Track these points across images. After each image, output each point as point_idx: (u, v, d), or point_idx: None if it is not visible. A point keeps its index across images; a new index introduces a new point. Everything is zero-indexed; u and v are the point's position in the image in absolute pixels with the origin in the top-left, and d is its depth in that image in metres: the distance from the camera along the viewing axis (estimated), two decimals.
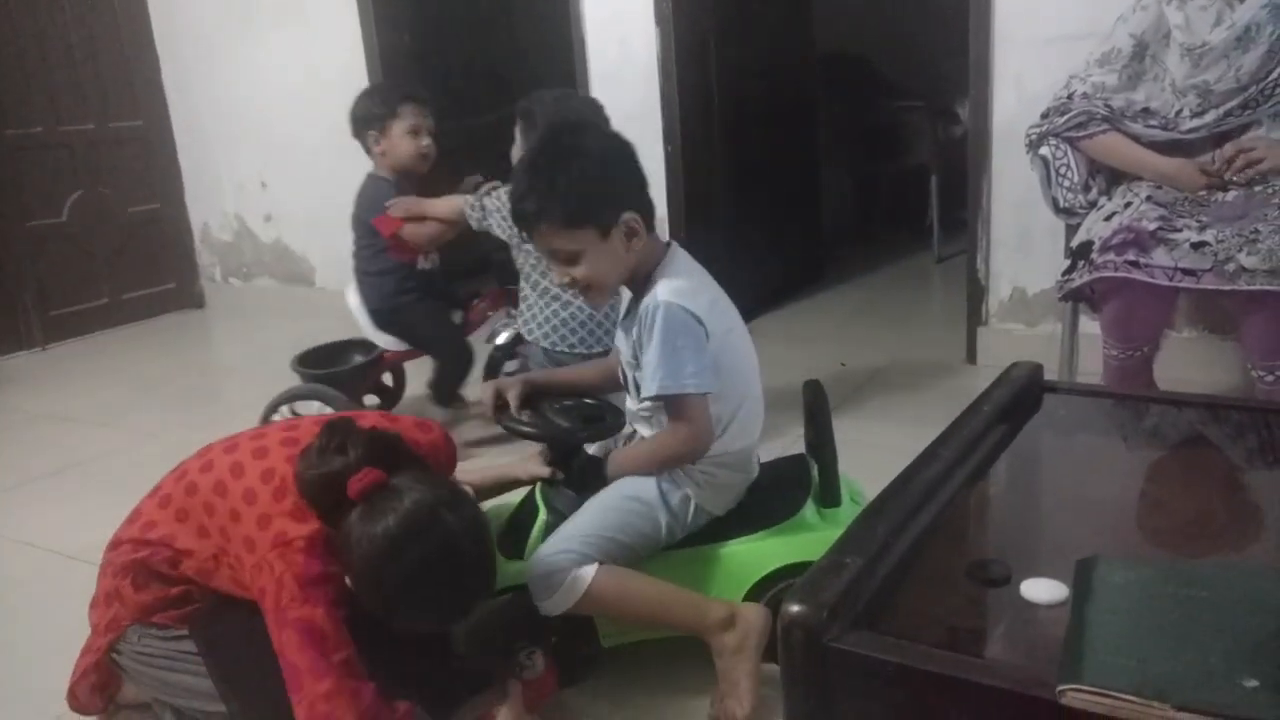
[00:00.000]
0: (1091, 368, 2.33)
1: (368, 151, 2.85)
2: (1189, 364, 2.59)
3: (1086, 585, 0.90)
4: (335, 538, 1.46)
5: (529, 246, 2.40)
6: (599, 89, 3.63)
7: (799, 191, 4.42)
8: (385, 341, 2.82)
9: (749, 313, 3.53)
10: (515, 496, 1.87)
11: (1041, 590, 0.94)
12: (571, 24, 3.62)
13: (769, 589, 1.66)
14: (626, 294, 1.74)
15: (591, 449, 1.85)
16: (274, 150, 4.48)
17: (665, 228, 3.57)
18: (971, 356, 3.24)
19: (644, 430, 1.74)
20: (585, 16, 3.61)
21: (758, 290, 3.88)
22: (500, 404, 1.80)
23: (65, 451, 3.11)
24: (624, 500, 1.67)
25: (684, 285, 1.62)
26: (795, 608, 0.90)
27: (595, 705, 1.73)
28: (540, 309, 2.53)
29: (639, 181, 1.66)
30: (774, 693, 1.61)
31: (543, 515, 1.72)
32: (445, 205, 2.69)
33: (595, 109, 2.56)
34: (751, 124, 3.90)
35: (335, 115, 4.24)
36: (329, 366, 2.82)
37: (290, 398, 2.74)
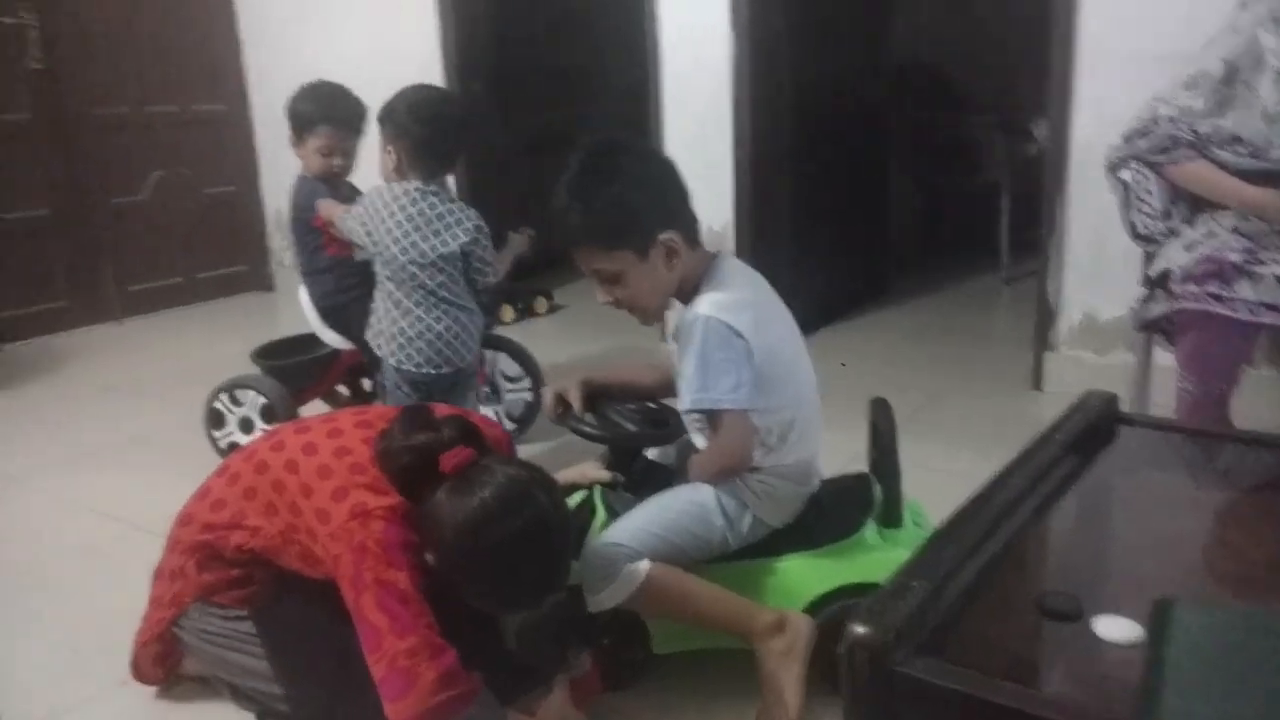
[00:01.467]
0: (1163, 400, 2.28)
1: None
2: (1269, 403, 2.51)
3: (1164, 627, 0.88)
4: (416, 512, 1.49)
5: (386, 256, 2.31)
6: (671, 92, 3.64)
7: (867, 203, 4.38)
8: (332, 339, 2.74)
9: (810, 325, 3.51)
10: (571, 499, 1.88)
11: (1115, 628, 0.92)
12: (647, 27, 3.64)
13: (825, 607, 1.65)
14: (679, 307, 1.74)
15: (651, 454, 1.85)
16: None
17: (730, 234, 3.57)
18: (1037, 382, 3.18)
19: (698, 440, 1.74)
20: (661, 19, 3.61)
21: (820, 302, 3.85)
22: (562, 405, 1.82)
23: (135, 423, 3.20)
24: (681, 503, 1.68)
25: (727, 298, 1.61)
26: (860, 629, 0.90)
27: (642, 711, 1.73)
28: (389, 323, 2.36)
29: (678, 199, 1.65)
30: (816, 703, 1.61)
31: (601, 517, 1.73)
32: (329, 210, 2.57)
33: (450, 100, 2.43)
34: (822, 133, 3.87)
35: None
36: (286, 359, 2.83)
37: (231, 385, 2.78)
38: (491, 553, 1.44)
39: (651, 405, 1.83)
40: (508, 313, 4.27)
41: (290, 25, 4.60)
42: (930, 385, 3.27)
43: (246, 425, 2.77)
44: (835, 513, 1.72)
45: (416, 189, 2.32)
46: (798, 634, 1.61)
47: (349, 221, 2.39)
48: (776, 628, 1.61)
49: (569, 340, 4.02)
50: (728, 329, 1.57)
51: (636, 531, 1.64)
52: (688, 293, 1.66)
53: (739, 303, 1.62)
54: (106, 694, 1.83)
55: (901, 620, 0.91)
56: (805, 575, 1.67)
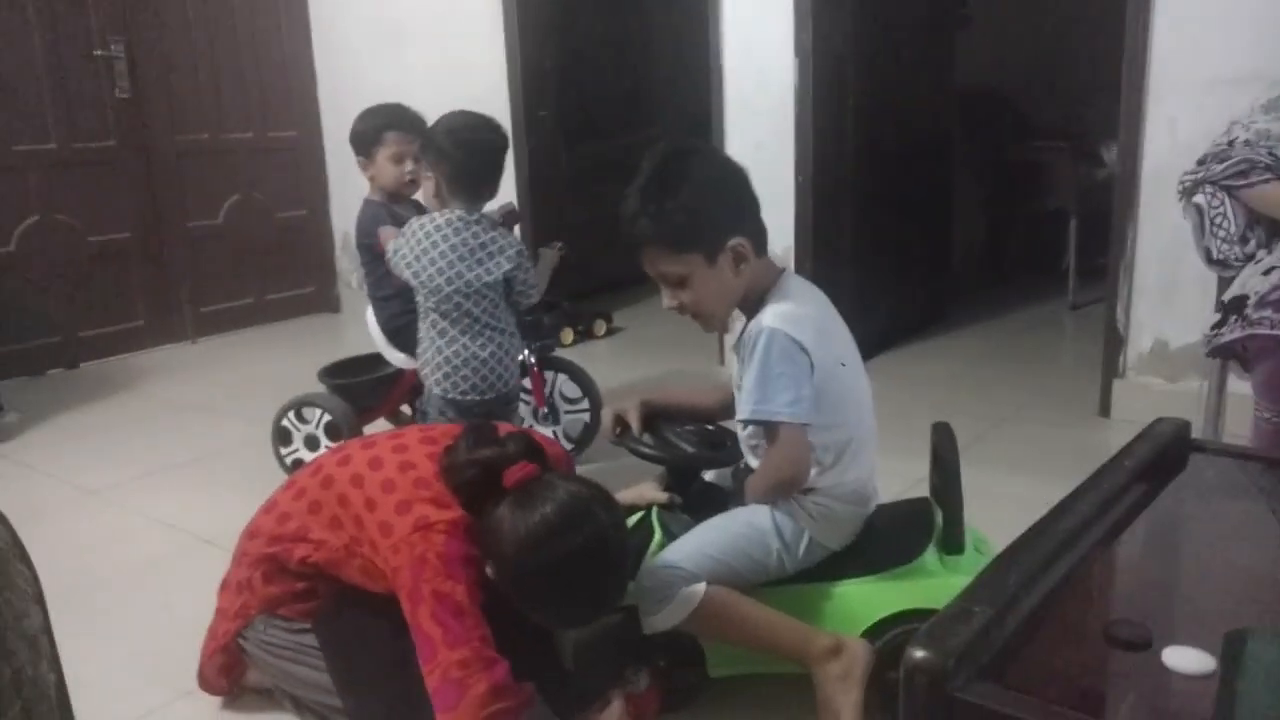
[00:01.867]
0: (1237, 430, 2.21)
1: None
2: None
3: (1237, 659, 0.85)
4: (477, 526, 1.51)
5: (431, 286, 2.33)
6: (734, 117, 3.65)
7: (929, 228, 4.34)
8: (397, 359, 2.79)
9: (871, 349, 3.48)
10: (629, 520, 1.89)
11: (1187, 659, 0.89)
12: (710, 51, 3.66)
13: (884, 633, 1.62)
14: (741, 318, 1.73)
15: (708, 476, 1.85)
16: None
17: (791, 258, 3.56)
18: (1105, 410, 3.11)
19: (753, 461, 1.74)
20: (724, 45, 3.64)
21: (881, 327, 3.82)
22: (621, 427, 1.83)
23: (205, 440, 3.29)
24: (738, 525, 1.68)
25: (792, 311, 1.61)
26: (920, 653, 0.88)
27: None
28: (434, 352, 2.37)
29: (749, 206, 1.65)
30: None
31: (658, 538, 1.73)
32: (385, 239, 2.60)
33: (489, 126, 2.42)
34: (885, 157, 3.85)
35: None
36: (352, 378, 2.89)
37: (298, 404, 2.85)
38: (551, 567, 1.45)
39: (709, 427, 1.83)
40: (568, 335, 4.31)
41: (362, 55, 4.73)
42: (993, 411, 3.21)
43: (312, 442, 2.83)
44: (896, 537, 1.70)
45: (460, 218, 2.33)
46: (855, 659, 1.58)
47: (392, 255, 2.41)
48: (833, 652, 1.59)
49: (627, 363, 4.04)
50: (791, 341, 1.57)
51: (692, 553, 1.64)
52: (753, 304, 1.66)
53: (803, 317, 1.61)
54: (173, 704, 1.87)
55: (962, 645, 0.89)
56: (865, 600, 1.65)
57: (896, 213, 3.98)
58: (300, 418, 2.85)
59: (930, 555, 1.66)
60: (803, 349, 1.57)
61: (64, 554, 2.46)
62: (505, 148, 2.43)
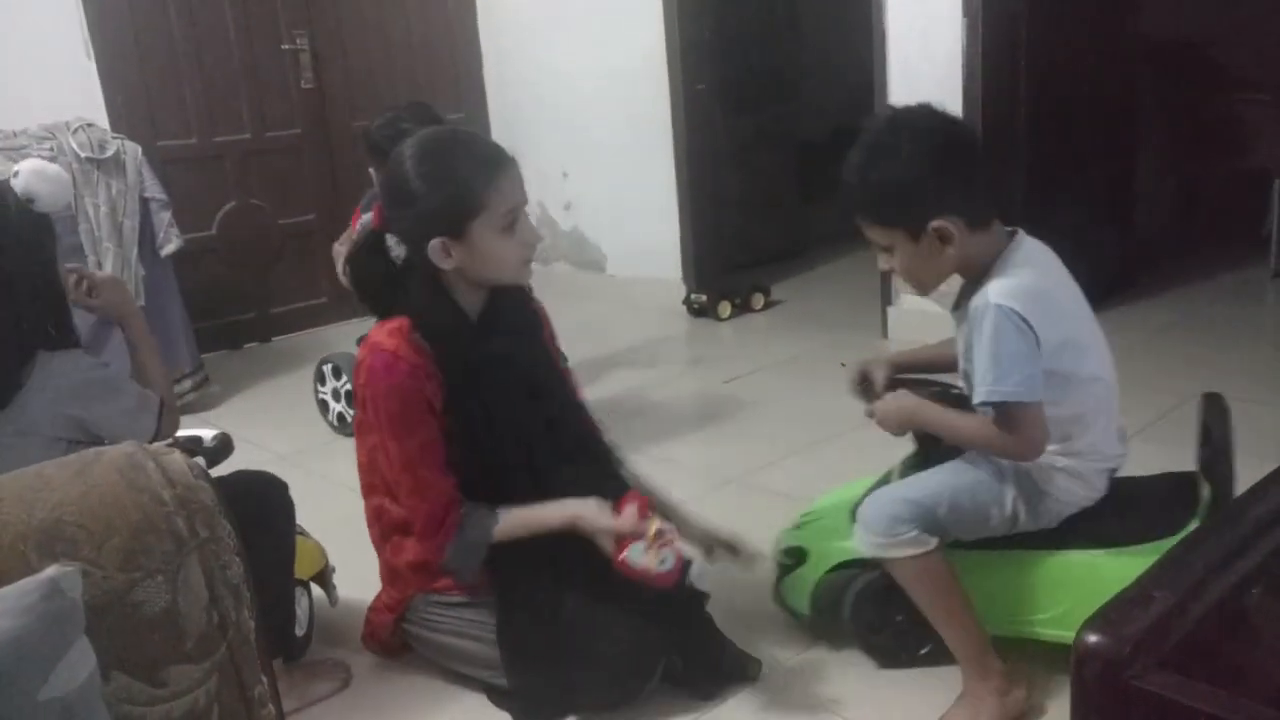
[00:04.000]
0: None
1: None
2: None
3: None
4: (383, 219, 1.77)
5: None
6: (897, 84, 3.53)
7: (1111, 193, 4.08)
8: None
9: None
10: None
11: None
12: (874, 17, 3.55)
13: None
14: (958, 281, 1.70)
15: None
16: (576, 140, 4.73)
17: None
18: None
19: None
20: (888, 9, 3.52)
21: None
22: (865, 383, 1.84)
23: None
24: (977, 472, 1.67)
25: (1019, 285, 1.57)
26: (1094, 638, 0.85)
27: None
28: None
29: (969, 179, 1.60)
30: None
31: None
32: None
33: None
34: (1061, 120, 3.64)
35: (634, 107, 4.40)
36: None
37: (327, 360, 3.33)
38: (427, 160, 1.71)
39: (954, 389, 1.82)
40: (725, 308, 4.29)
41: (524, 35, 4.83)
42: (1184, 387, 3.00)
43: (336, 395, 3.27)
44: (1155, 510, 1.66)
45: None
46: (1011, 697, 1.63)
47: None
48: (999, 683, 1.62)
49: (785, 337, 4.01)
50: (1019, 319, 1.54)
51: (929, 489, 1.66)
52: (977, 274, 1.63)
53: (1031, 291, 1.57)
54: (348, 658, 2.01)
55: (1140, 631, 0.85)
56: (1116, 571, 1.62)
57: (1075, 177, 3.76)
58: (334, 374, 3.23)
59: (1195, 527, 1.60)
60: (1029, 325, 1.54)
61: None
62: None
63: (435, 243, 1.68)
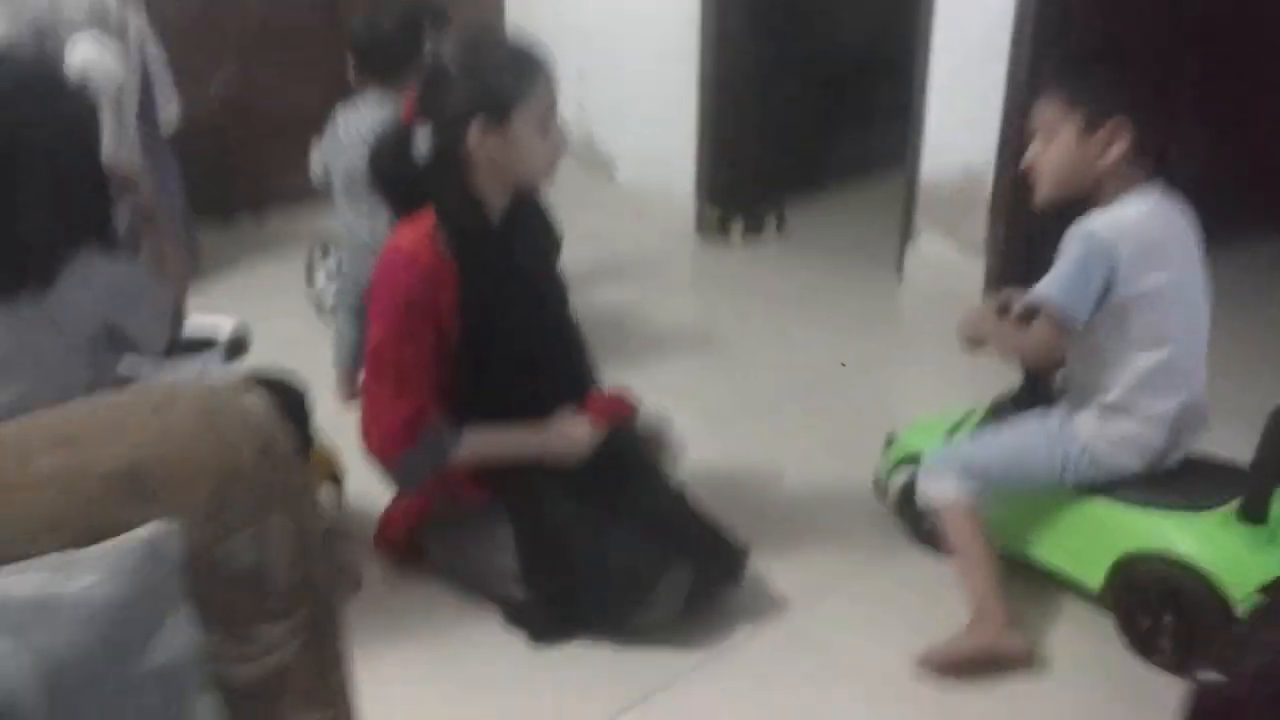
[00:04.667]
0: None
1: None
2: None
3: None
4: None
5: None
6: (945, 12, 3.37)
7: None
8: None
9: None
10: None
11: None
12: None
13: (1139, 568, 1.71)
14: None
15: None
16: (593, 42, 4.53)
17: (990, 175, 3.33)
18: None
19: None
20: None
21: None
22: (1003, 310, 1.88)
23: None
24: (1031, 427, 1.81)
25: (1122, 219, 1.63)
26: (1208, 676, 0.84)
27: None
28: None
29: (1156, 112, 1.65)
30: None
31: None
32: None
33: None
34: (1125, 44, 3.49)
35: (653, 9, 4.22)
36: None
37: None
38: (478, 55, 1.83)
39: None
40: (738, 228, 4.17)
41: None
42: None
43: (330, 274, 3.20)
44: (1189, 486, 1.72)
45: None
46: (1008, 636, 1.73)
47: None
48: (999, 624, 1.71)
49: (795, 268, 3.92)
50: (1106, 247, 1.59)
51: (985, 444, 1.86)
52: (1101, 201, 1.67)
53: (1132, 229, 1.62)
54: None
55: (1257, 667, 0.85)
56: (1129, 525, 1.74)
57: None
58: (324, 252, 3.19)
59: (1225, 511, 1.65)
60: (1112, 259, 1.59)
61: None
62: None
63: (476, 123, 1.71)
